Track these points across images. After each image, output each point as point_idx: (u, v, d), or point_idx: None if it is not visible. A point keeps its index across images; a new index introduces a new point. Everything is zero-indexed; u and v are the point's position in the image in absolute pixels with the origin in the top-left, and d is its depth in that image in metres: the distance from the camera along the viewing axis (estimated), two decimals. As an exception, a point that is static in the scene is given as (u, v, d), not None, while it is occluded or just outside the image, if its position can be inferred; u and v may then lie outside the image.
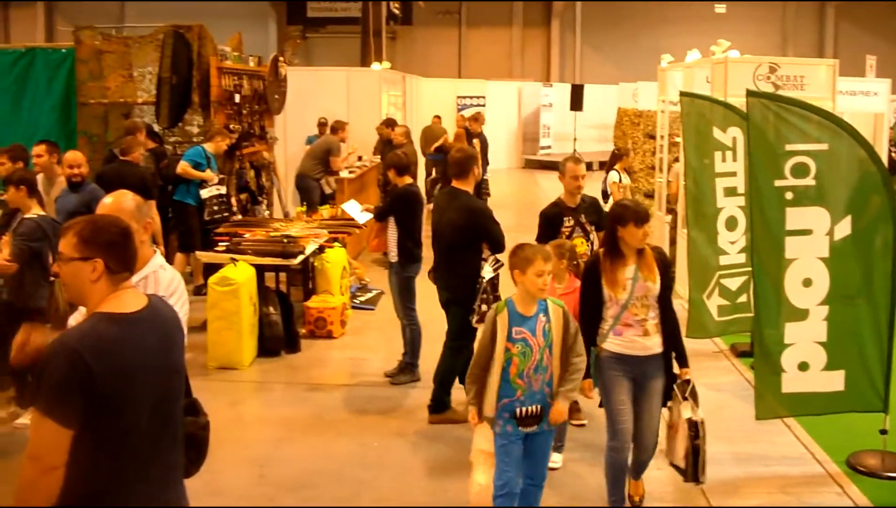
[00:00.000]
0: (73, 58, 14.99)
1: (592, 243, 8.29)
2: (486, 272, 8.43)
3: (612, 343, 6.48)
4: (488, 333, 6.02)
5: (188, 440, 4.66)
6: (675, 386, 6.60)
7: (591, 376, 6.49)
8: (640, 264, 6.40)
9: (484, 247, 8.57)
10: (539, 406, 6.02)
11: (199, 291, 12.23)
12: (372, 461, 7.87)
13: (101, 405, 3.47)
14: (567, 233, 8.21)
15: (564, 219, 8.24)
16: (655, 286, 6.42)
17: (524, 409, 5.99)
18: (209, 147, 13.06)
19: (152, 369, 3.68)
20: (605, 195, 14.51)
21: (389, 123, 17.93)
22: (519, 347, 5.94)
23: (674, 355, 6.64)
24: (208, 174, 12.75)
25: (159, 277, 4.81)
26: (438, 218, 8.83)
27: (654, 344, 6.48)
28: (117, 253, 3.73)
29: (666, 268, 6.58)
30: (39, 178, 10.17)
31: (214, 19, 22.77)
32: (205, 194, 12.75)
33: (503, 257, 8.09)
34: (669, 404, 6.69)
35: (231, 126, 14.12)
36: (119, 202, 4.84)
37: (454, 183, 8.69)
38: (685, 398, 6.57)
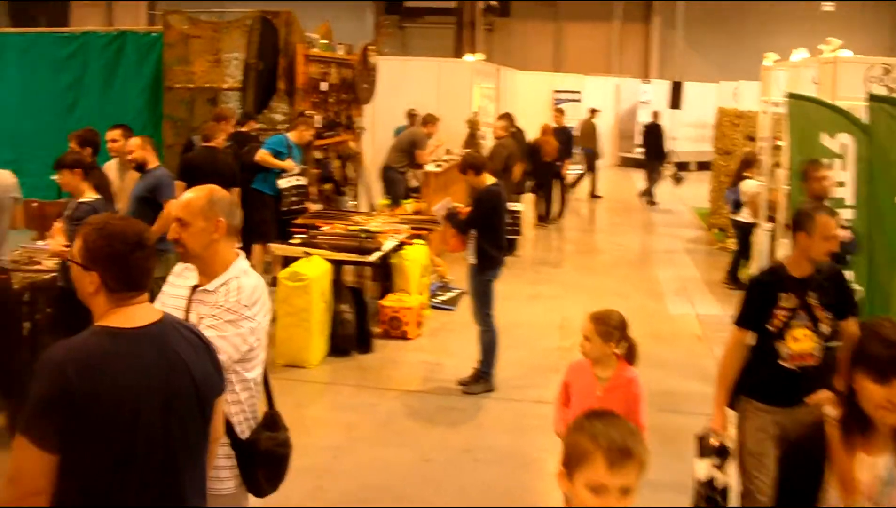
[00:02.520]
0: (162, 42, 14.82)
1: (824, 338, 5.51)
2: None
3: None
4: None
5: (263, 457, 4.30)
6: None
7: None
8: None
9: None
10: None
11: (275, 282, 11.87)
12: (433, 478, 7.37)
13: (86, 427, 3.07)
14: (784, 318, 5.46)
15: (782, 295, 5.49)
16: None
17: None
18: (292, 136, 12.65)
19: (150, 390, 3.22)
20: (738, 206, 13.82)
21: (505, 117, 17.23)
22: None
23: None
24: (288, 164, 12.33)
25: (242, 283, 4.29)
26: None
27: None
28: (117, 270, 3.28)
29: None
30: (114, 163, 9.93)
31: (312, 8, 22.58)
32: (283, 183, 12.33)
33: None
34: None
35: (306, 112, 13.68)
36: (190, 197, 4.37)
37: None
38: None
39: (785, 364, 5.43)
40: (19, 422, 3.10)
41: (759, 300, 5.56)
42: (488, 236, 9.03)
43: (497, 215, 9.16)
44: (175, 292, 4.40)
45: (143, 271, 3.34)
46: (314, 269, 9.92)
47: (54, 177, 8.76)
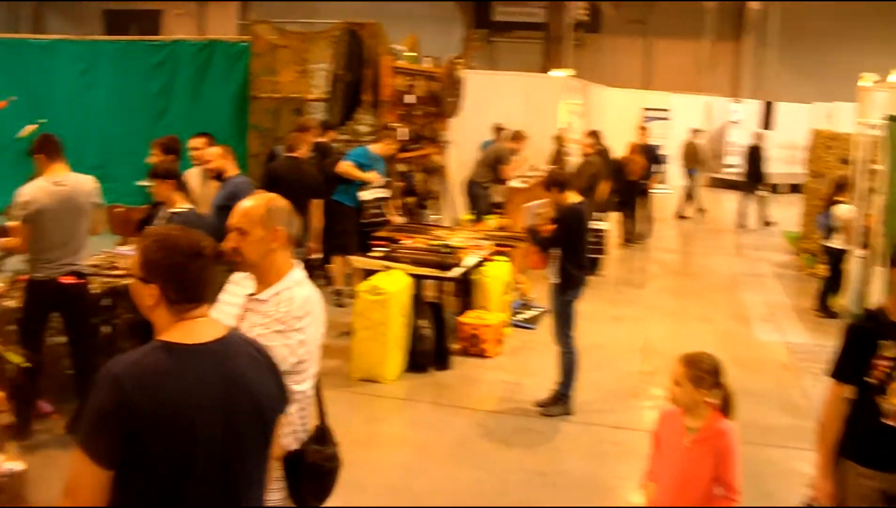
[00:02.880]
0: (250, 51, 14.89)
1: None
2: None
3: None
4: None
5: (309, 471, 4.21)
6: None
7: None
8: None
9: None
10: None
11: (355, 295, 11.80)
12: (507, 502, 7.15)
13: (143, 443, 2.99)
14: (886, 369, 4.82)
15: (883, 343, 4.85)
16: None
17: None
18: (376, 148, 12.58)
19: (208, 407, 3.13)
20: (830, 231, 13.46)
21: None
22: None
23: None
24: (371, 176, 12.25)
25: (294, 294, 4.24)
26: None
27: None
28: (177, 282, 3.20)
29: None
30: (196, 171, 9.92)
31: (400, 21, 22.54)
32: (365, 196, 12.26)
33: None
34: None
35: (391, 125, 13.61)
36: (249, 206, 4.34)
37: None
38: None
39: (888, 422, 4.78)
40: (77, 434, 3.05)
41: (856, 349, 4.93)
42: (570, 255, 8.82)
43: (579, 235, 8.95)
44: (231, 300, 4.37)
45: (202, 281, 3.26)
46: (394, 283, 9.79)
47: (143, 183, 8.74)
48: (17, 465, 3.90)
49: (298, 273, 4.36)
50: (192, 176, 9.85)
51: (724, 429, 4.88)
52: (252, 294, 4.29)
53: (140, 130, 15.01)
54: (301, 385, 4.18)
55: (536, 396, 9.24)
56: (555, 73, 22.86)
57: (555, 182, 9.01)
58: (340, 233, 12.23)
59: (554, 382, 9.13)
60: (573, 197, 8.95)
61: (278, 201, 4.41)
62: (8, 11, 36.01)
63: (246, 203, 4.37)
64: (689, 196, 24.25)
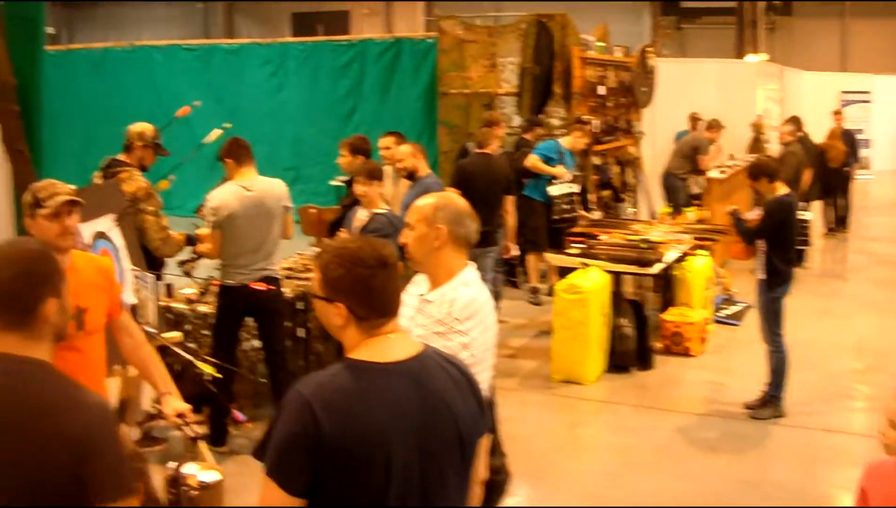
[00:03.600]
0: (437, 48, 14.85)
1: None
2: None
3: None
4: None
5: None
6: None
7: None
8: None
9: None
10: None
11: (552, 292, 11.54)
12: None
13: (335, 470, 2.80)
14: None
15: None
16: None
17: None
18: (565, 142, 12.26)
19: (405, 431, 2.89)
20: None
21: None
22: None
23: None
24: (559, 170, 11.91)
25: (458, 295, 4.16)
26: None
27: None
28: (364, 297, 2.97)
29: None
30: (387, 170, 9.82)
31: (588, 10, 22.25)
32: (554, 191, 11.91)
33: None
34: None
35: (583, 117, 13.29)
36: (421, 204, 4.34)
37: None
38: None
39: None
40: (264, 459, 2.87)
41: None
42: (778, 250, 8.33)
43: (789, 229, 8.43)
44: (408, 302, 4.23)
45: (389, 293, 3.03)
46: (592, 280, 9.49)
47: (335, 183, 8.62)
48: (212, 475, 3.78)
49: (468, 274, 4.28)
50: (385, 176, 9.77)
51: None
52: (423, 294, 4.26)
53: (330, 131, 15.21)
54: None
55: (743, 397, 8.78)
56: (750, 58, 22.13)
57: (764, 172, 8.50)
58: (532, 229, 11.98)
59: (762, 382, 8.66)
60: (781, 188, 8.47)
61: (450, 201, 4.38)
62: (201, 16, 37.11)
63: (420, 200, 4.38)
64: None
